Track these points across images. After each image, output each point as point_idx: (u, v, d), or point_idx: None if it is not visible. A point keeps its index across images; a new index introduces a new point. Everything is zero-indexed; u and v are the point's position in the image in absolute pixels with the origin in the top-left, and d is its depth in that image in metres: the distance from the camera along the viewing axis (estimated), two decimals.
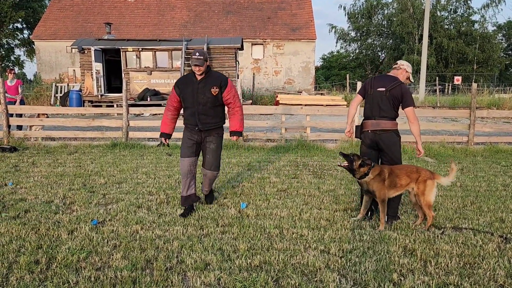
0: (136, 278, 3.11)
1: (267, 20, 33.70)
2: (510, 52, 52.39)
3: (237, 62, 21.14)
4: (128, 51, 19.84)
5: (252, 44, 32.45)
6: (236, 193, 5.55)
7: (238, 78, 20.64)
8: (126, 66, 19.96)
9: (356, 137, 4.75)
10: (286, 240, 3.90)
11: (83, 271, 3.22)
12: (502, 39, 51.33)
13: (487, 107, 19.00)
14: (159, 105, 18.29)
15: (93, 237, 3.90)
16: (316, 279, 3.15)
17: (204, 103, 4.54)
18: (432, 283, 3.05)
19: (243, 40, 24.23)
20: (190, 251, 3.61)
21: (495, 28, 50.19)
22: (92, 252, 3.57)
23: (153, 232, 4.05)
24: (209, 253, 3.55)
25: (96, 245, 3.72)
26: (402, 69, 4.48)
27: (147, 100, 18.85)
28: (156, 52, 19.93)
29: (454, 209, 4.91)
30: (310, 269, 3.30)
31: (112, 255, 3.52)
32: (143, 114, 16.71)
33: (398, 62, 4.57)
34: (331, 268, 3.32)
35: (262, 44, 32.66)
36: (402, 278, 3.15)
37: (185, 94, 4.58)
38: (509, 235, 4.04)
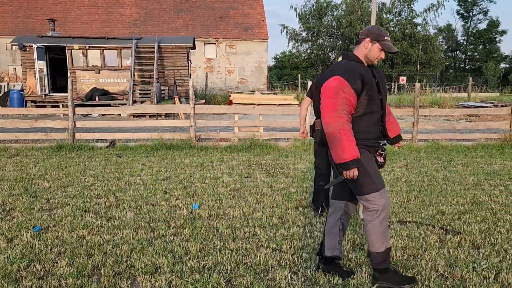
0: (82, 285, 2.99)
1: (219, 20, 33.58)
2: (449, 53, 55.54)
3: (189, 62, 20.89)
4: (74, 49, 19.04)
5: (204, 43, 32.23)
6: (188, 194, 5.49)
7: (190, 77, 20.39)
8: (72, 64, 19.15)
9: (310, 136, 4.85)
10: (238, 239, 3.90)
11: (23, 281, 3.05)
12: (442, 41, 54.29)
13: (430, 106, 20.00)
14: (108, 105, 17.73)
15: (35, 244, 3.71)
16: (268, 277, 3.17)
17: (385, 105, 3.09)
18: None
19: (195, 39, 24.01)
20: (140, 254, 3.52)
21: (436, 30, 53.01)
22: (34, 260, 3.39)
23: (101, 237, 3.91)
24: (160, 256, 3.48)
25: (39, 252, 3.54)
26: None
27: (95, 100, 18.18)
28: (104, 50, 19.27)
29: (399, 204, 5.13)
30: (262, 267, 3.33)
31: (56, 262, 3.36)
32: (91, 114, 16.11)
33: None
34: (282, 266, 3.35)
35: (215, 43, 32.52)
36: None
37: (373, 93, 2.94)
38: (449, 227, 4.27)
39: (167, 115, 16.47)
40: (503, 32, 54.10)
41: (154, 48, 18.82)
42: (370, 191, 2.85)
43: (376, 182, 2.88)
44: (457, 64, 56.99)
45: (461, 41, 56.35)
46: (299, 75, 31.69)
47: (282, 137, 10.29)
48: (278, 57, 55.53)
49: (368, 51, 2.95)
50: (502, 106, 18.27)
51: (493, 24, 53.62)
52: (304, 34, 50.52)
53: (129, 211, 4.72)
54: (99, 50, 19.23)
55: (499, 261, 3.46)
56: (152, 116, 16.24)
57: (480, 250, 3.68)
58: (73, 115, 9.56)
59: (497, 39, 54.40)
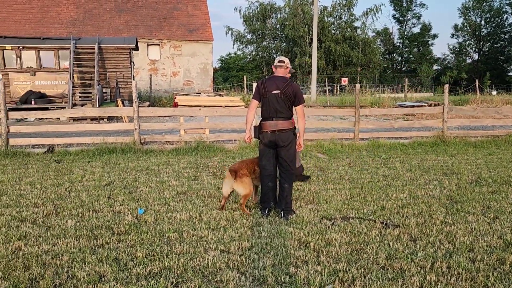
0: None
1: (163, 20, 32.95)
2: (387, 56, 58.32)
3: (132, 63, 20.33)
4: (6, 49, 17.88)
5: (148, 45, 31.47)
6: (133, 199, 5.34)
7: (133, 79, 19.85)
8: (4, 66, 17.98)
9: (254, 137, 4.88)
10: (186, 243, 3.86)
11: None
12: (380, 44, 56.86)
13: (370, 106, 20.87)
14: (46, 109, 16.81)
15: None
16: (216, 279, 3.16)
17: None
18: (324, 272, 3.26)
19: (138, 40, 23.42)
20: (82, 264, 3.38)
21: (374, 34, 55.44)
22: None
23: (39, 248, 3.71)
24: (103, 264, 3.36)
25: None
26: (288, 67, 4.76)
27: (31, 103, 17.18)
28: (40, 51, 18.26)
29: (343, 201, 5.31)
30: (210, 270, 3.31)
31: None
32: (26, 118, 15.21)
33: (284, 60, 4.74)
34: (231, 267, 3.36)
35: (159, 44, 31.86)
36: (298, 270, 3.32)
37: None
38: (389, 221, 4.49)
39: (110, 118, 15.92)
40: (435, 36, 57.71)
41: (94, 49, 18.12)
42: None
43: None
44: (394, 66, 59.95)
45: (398, 44, 59.37)
46: (245, 77, 31.86)
47: (228, 139, 10.30)
48: (223, 58, 55.49)
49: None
50: (435, 105, 19.45)
51: (426, 28, 57.02)
52: (249, 36, 50.89)
53: (69, 219, 4.52)
54: (34, 51, 18.20)
55: (434, 251, 3.69)
56: (94, 119, 15.62)
57: (417, 242, 3.90)
58: (6, 120, 8.98)
59: (429, 43, 57.94)
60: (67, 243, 3.80)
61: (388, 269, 3.35)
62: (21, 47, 17.98)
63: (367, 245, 3.81)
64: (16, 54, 18.06)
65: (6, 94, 9.20)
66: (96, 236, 4.01)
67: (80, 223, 4.39)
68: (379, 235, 4.07)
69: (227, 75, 50.23)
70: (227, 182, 4.82)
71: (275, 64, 4.76)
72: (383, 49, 57.31)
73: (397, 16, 58.32)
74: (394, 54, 59.61)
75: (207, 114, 10.23)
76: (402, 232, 4.14)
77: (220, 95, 27.45)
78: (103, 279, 3.15)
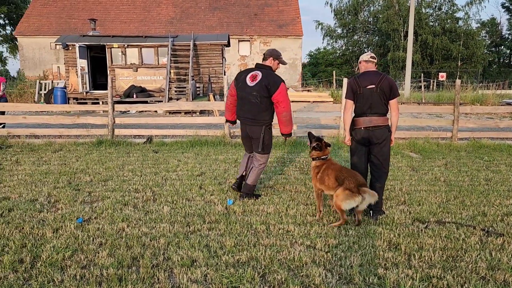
0: (122, 276, 3.10)
1: (253, 17, 33.64)
2: (493, 49, 53.22)
3: (224, 59, 21.07)
4: (113, 47, 19.61)
5: (239, 41, 32.38)
6: (223, 190, 5.55)
7: (225, 74, 20.58)
8: (112, 62, 19.74)
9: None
10: (272, 236, 3.92)
11: (68, 270, 3.20)
12: (485, 36, 52.05)
13: (471, 103, 19.26)
14: (145, 102, 18.16)
15: (78, 235, 3.87)
16: (302, 274, 3.17)
17: None
18: (416, 276, 3.10)
19: (230, 37, 24.16)
20: (176, 248, 3.61)
21: (478, 25, 50.94)
22: (78, 250, 3.54)
23: (139, 230, 4.03)
24: (195, 250, 3.55)
25: (82, 243, 3.70)
26: (376, 64, 4.67)
27: (133, 97, 18.67)
28: (142, 48, 19.73)
29: (437, 204, 4.99)
30: (296, 264, 3.33)
31: (98, 253, 3.49)
32: (129, 111, 16.58)
33: (374, 55, 4.64)
34: (317, 263, 3.35)
35: (249, 40, 32.62)
36: (387, 272, 3.20)
37: None
38: (491, 228, 4.12)
39: (202, 112, 16.70)
40: None
41: (189, 46, 19.10)
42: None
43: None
44: (502, 60, 54.54)
45: (506, 35, 53.83)
46: (334, 72, 31.32)
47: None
48: (312, 54, 55.06)
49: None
50: None
51: None
52: (339, 30, 49.90)
53: (165, 205, 4.84)
54: (137, 49, 19.71)
55: None
56: (187, 113, 16.51)
57: None
58: (112, 112, 9.86)
59: None
60: (163, 228, 4.08)
61: (489, 280, 3.08)
62: (126, 45, 19.58)
63: (465, 253, 3.54)
64: (122, 52, 19.71)
65: (112, 89, 10.09)
66: (188, 223, 4.25)
67: (175, 210, 4.68)
68: (479, 243, 3.76)
69: (316, 70, 49.75)
70: (358, 199, 4.08)
71: (365, 59, 4.61)
72: (489, 42, 52.38)
73: (506, 4, 52.85)
74: (502, 47, 54.18)
75: (295, 109, 10.23)
76: (507, 242, 3.78)
77: (308, 90, 27.31)
78: (195, 263, 3.33)
